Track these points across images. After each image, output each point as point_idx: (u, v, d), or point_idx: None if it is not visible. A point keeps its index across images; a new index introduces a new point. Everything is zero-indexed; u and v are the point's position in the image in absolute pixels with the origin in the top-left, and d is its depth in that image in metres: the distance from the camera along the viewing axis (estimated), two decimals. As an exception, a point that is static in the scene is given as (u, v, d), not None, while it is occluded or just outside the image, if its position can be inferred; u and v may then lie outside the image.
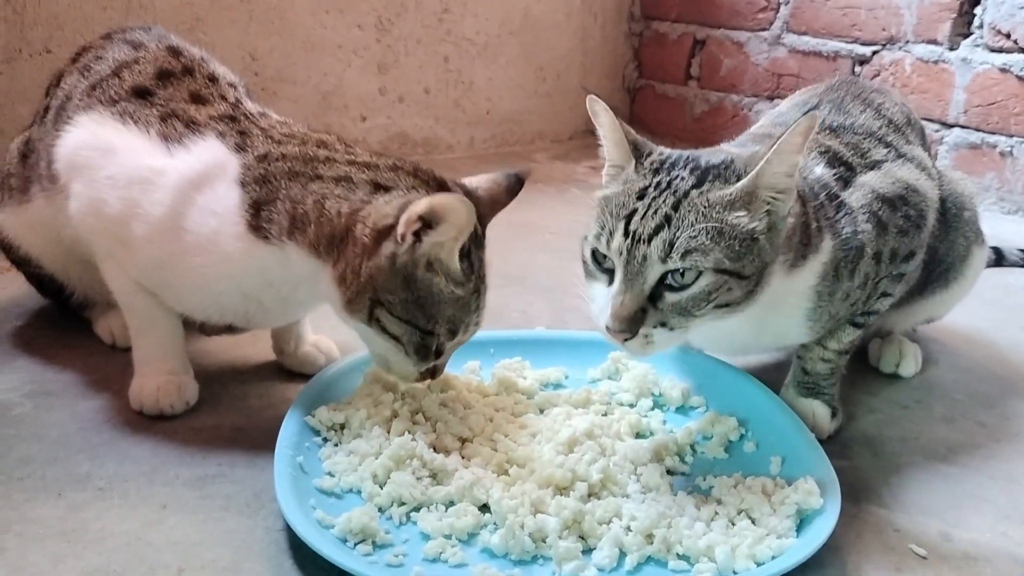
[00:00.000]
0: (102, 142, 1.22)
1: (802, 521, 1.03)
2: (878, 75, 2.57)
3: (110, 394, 1.30)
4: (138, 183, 1.18)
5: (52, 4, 1.99)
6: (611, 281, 1.06)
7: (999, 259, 1.98)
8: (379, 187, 1.15)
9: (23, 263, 1.46)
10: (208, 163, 1.17)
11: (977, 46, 2.40)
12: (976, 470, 1.23)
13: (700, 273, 1.03)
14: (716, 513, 1.04)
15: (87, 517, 1.03)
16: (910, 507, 1.13)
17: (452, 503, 1.05)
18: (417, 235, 1.09)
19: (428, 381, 1.21)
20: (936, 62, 2.47)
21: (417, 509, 1.04)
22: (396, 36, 2.59)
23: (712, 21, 2.91)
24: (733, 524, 1.02)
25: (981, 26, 2.39)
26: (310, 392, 1.22)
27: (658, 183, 1.07)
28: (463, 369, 1.34)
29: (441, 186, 1.17)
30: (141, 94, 1.26)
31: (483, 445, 1.14)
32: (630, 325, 1.04)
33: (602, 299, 1.07)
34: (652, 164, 1.10)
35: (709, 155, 1.11)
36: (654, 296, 1.04)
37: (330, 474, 1.09)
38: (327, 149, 1.20)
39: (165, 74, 1.28)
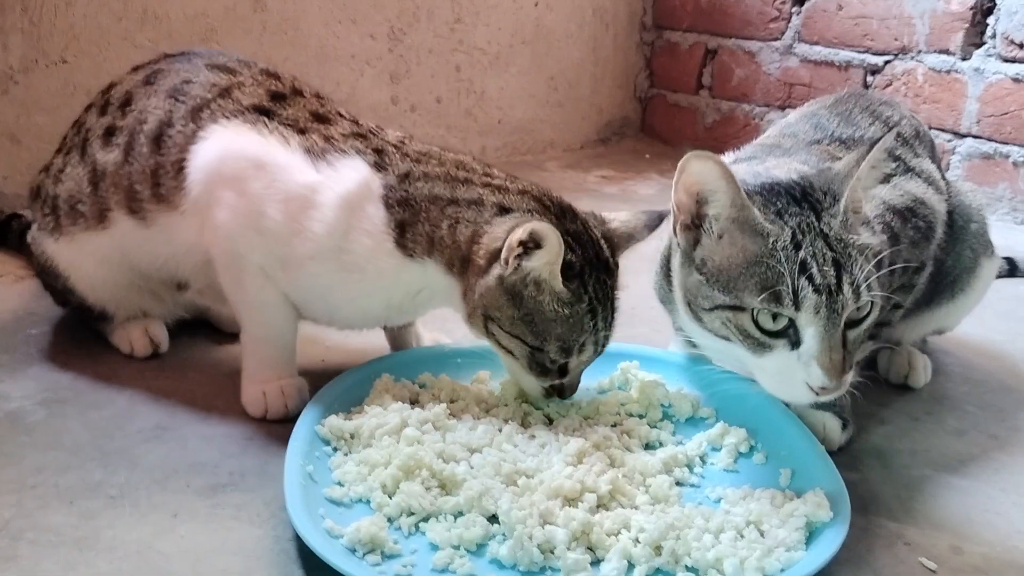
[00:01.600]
0: (249, 152, 1.23)
1: (811, 534, 1.03)
2: (890, 85, 2.57)
3: (123, 402, 1.30)
4: (296, 199, 1.20)
5: (68, 15, 2.01)
6: (791, 343, 1.04)
7: (1012, 270, 1.97)
8: (504, 210, 1.21)
9: (63, 291, 1.44)
10: (358, 183, 1.21)
11: (990, 56, 2.39)
12: (987, 483, 1.22)
13: (872, 302, 1.04)
14: (725, 525, 1.03)
15: (99, 525, 1.03)
16: (920, 520, 1.13)
17: (461, 513, 1.05)
18: (520, 258, 1.14)
19: (555, 399, 1.25)
20: (948, 72, 2.47)
21: (426, 519, 1.04)
22: (408, 46, 2.60)
23: (724, 31, 2.92)
24: (742, 536, 1.02)
25: (994, 36, 2.38)
26: (321, 401, 1.22)
27: (797, 226, 1.04)
28: (472, 379, 1.34)
29: (562, 211, 1.22)
30: (263, 113, 1.27)
31: (492, 455, 1.14)
32: (844, 375, 1.03)
33: (788, 364, 1.04)
34: (767, 207, 1.06)
35: (782, 178, 1.11)
36: (844, 341, 1.04)
37: (340, 484, 1.09)
38: (465, 171, 1.26)
39: (277, 95, 1.30)
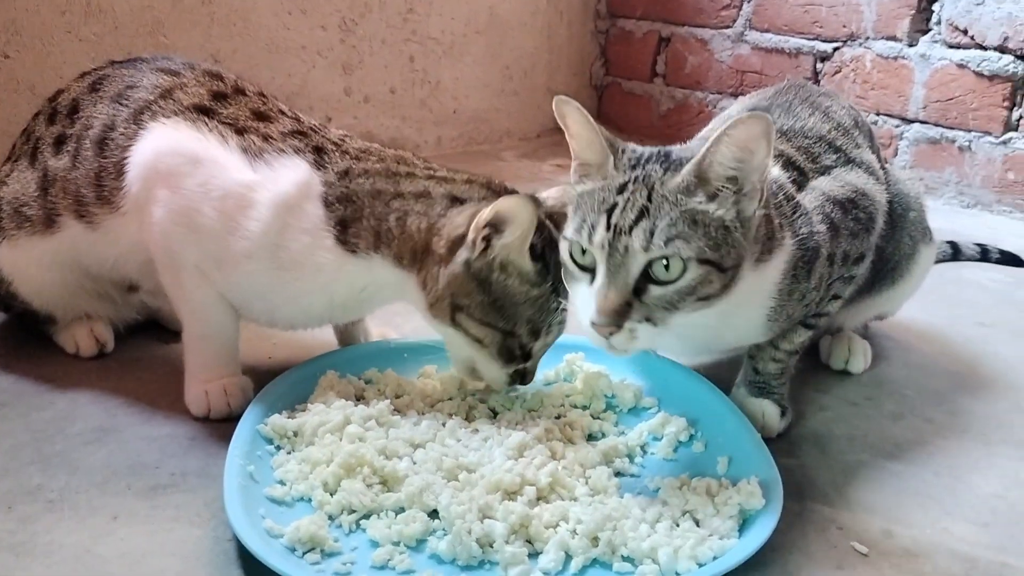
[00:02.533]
0: (185, 149, 1.22)
1: (745, 521, 1.05)
2: (839, 72, 2.60)
3: (65, 404, 1.30)
4: (232, 197, 1.20)
5: (9, 9, 1.97)
6: (593, 279, 1.07)
7: (955, 253, 2.00)
8: (455, 200, 1.22)
9: (5, 296, 1.43)
10: (295, 182, 1.21)
11: (935, 42, 2.43)
12: (922, 466, 1.25)
13: (686, 267, 1.04)
14: (661, 515, 1.05)
15: (37, 530, 1.03)
16: (854, 505, 1.16)
17: (402, 510, 1.06)
18: (487, 240, 1.16)
19: (518, 387, 1.27)
20: (896, 58, 2.50)
21: (367, 516, 1.05)
22: (360, 36, 2.59)
23: (677, 18, 2.93)
24: (677, 525, 1.04)
25: (939, 22, 2.42)
26: (264, 400, 1.23)
27: (635, 178, 1.07)
28: (418, 374, 1.35)
29: (493, 195, 1.23)
30: (204, 112, 1.26)
31: (434, 450, 1.15)
32: (616, 318, 1.04)
33: (585, 297, 1.07)
34: (630, 160, 1.10)
35: (680, 150, 1.13)
36: (638, 290, 1.05)
37: (281, 482, 1.10)
38: (407, 165, 1.26)
39: (219, 95, 1.29)
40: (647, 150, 1.12)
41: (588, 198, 1.09)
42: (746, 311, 1.20)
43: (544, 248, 1.20)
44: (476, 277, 1.18)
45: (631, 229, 1.04)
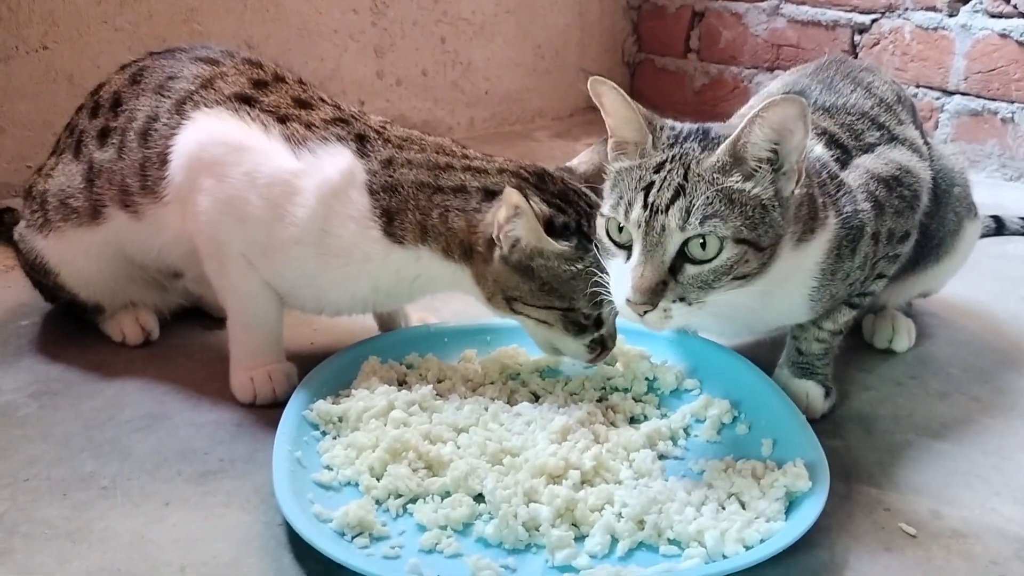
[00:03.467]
0: (230, 138, 1.24)
1: (791, 504, 1.05)
2: (877, 44, 2.55)
3: (114, 392, 1.32)
4: (278, 184, 1.21)
5: (47, 1, 1.99)
6: (629, 256, 1.06)
7: (1000, 228, 1.97)
8: (489, 193, 1.22)
9: (53, 288, 1.45)
10: (340, 169, 1.21)
11: (976, 12, 2.37)
12: (969, 446, 1.24)
13: (722, 246, 1.03)
14: (707, 498, 1.05)
15: (91, 516, 1.05)
16: (901, 485, 1.15)
17: (448, 494, 1.07)
18: (512, 235, 1.17)
19: (603, 354, 1.25)
20: (936, 29, 2.45)
21: (413, 501, 1.06)
22: (392, 19, 2.58)
23: (710, -7, 2.89)
24: (723, 508, 1.04)
25: (981, -9, 2.36)
26: (309, 386, 1.24)
27: (673, 156, 1.07)
28: (459, 358, 1.36)
29: (540, 179, 1.24)
30: (245, 100, 1.27)
31: (478, 435, 1.16)
32: (651, 297, 1.03)
33: (621, 274, 1.07)
34: (668, 138, 1.09)
35: (720, 127, 1.12)
36: (674, 269, 1.04)
37: (328, 468, 1.11)
38: (446, 155, 1.26)
39: (259, 83, 1.30)
40: (686, 127, 1.11)
41: (626, 175, 1.09)
42: (787, 291, 1.19)
43: (579, 223, 1.20)
44: (518, 268, 1.19)
45: (667, 208, 1.03)
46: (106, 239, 1.36)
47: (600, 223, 1.11)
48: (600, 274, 1.14)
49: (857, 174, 1.24)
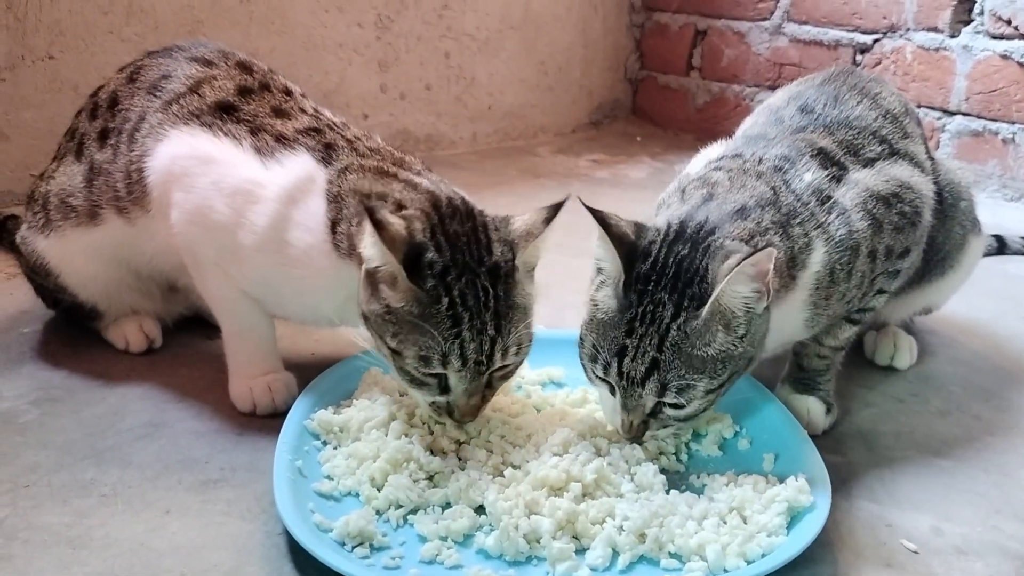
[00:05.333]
0: (199, 152, 1.24)
1: (793, 519, 1.05)
2: (879, 64, 2.57)
3: (115, 399, 1.32)
4: (242, 193, 1.21)
5: (53, 10, 2.01)
6: (612, 390, 1.12)
7: (1001, 247, 1.98)
8: (399, 206, 1.15)
9: (54, 290, 1.45)
10: (301, 177, 1.20)
11: (978, 33, 2.39)
12: (970, 463, 1.24)
13: (695, 398, 1.09)
14: (708, 511, 1.05)
15: (92, 524, 1.05)
16: (903, 502, 1.15)
17: (448, 505, 1.06)
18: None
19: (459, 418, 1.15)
20: (937, 49, 2.46)
21: (414, 511, 1.06)
22: (396, 33, 2.60)
23: (713, 11, 2.91)
24: (725, 522, 1.04)
25: (982, 13, 2.38)
26: (310, 396, 1.24)
27: (643, 313, 1.08)
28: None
29: (453, 212, 1.14)
30: (225, 109, 1.28)
31: (479, 447, 1.16)
32: (637, 434, 1.14)
33: (609, 402, 1.14)
34: (637, 282, 1.09)
35: (690, 249, 1.10)
36: (654, 412, 1.11)
37: (329, 477, 1.11)
38: (400, 167, 1.22)
39: (245, 90, 1.30)
40: (659, 259, 1.09)
41: (600, 325, 1.11)
42: (781, 325, 1.19)
43: (446, 269, 1.08)
44: (368, 279, 1.12)
45: (643, 382, 1.08)
46: (103, 241, 1.37)
47: (582, 353, 1.14)
48: (449, 342, 1.07)
49: (855, 192, 1.24)
